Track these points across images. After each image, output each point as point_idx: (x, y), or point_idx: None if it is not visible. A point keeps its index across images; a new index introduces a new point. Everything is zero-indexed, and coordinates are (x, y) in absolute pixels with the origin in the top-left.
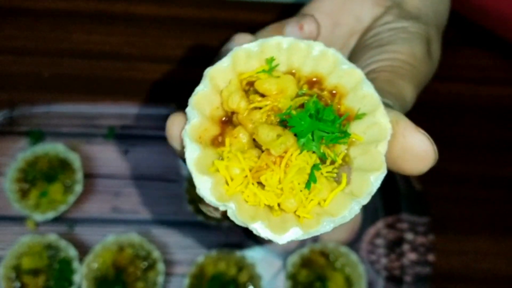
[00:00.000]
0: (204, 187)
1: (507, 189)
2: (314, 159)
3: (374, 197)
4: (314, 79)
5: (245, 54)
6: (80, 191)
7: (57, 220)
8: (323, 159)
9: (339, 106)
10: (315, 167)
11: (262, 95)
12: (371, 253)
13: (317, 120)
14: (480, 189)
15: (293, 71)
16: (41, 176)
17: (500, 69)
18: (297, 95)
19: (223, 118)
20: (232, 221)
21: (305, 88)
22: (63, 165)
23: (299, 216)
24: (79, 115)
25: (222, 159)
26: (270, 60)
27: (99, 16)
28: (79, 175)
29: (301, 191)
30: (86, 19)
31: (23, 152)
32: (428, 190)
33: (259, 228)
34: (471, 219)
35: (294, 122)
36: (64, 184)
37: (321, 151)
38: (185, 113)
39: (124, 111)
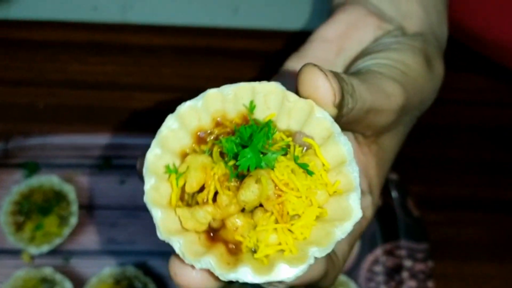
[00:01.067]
0: (287, 273)
1: (505, 212)
2: (286, 160)
3: (371, 224)
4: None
5: (170, 133)
6: (75, 223)
7: (52, 253)
8: (286, 153)
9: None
10: (296, 159)
11: (201, 189)
12: (370, 281)
13: (248, 144)
14: (478, 212)
15: (219, 119)
16: (36, 208)
17: (496, 91)
18: (211, 155)
19: (209, 235)
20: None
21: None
22: (58, 197)
23: (335, 192)
24: (75, 146)
25: (256, 250)
26: (169, 169)
27: (95, 46)
28: (74, 207)
29: (311, 175)
30: (81, 49)
31: (18, 185)
32: (426, 215)
33: (341, 235)
34: (470, 243)
35: (244, 165)
36: (59, 216)
37: (278, 150)
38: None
39: (120, 141)
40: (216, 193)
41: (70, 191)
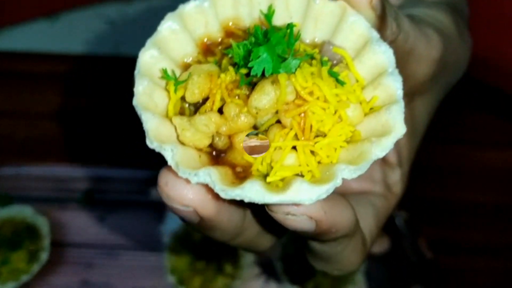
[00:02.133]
0: (306, 193)
1: None
2: (311, 67)
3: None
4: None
5: (171, 35)
6: (45, 259)
7: None
8: (311, 59)
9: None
10: (323, 64)
11: (204, 102)
12: None
13: (266, 42)
14: (496, 258)
15: (230, 24)
16: (4, 242)
17: (506, 132)
18: (220, 66)
19: (212, 156)
20: None
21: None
22: (30, 231)
23: (372, 109)
24: (52, 178)
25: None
26: (167, 74)
27: (76, 78)
28: (46, 242)
29: (342, 86)
30: (64, 81)
31: None
32: (440, 259)
33: (380, 153)
34: None
35: (258, 68)
36: (29, 251)
37: (302, 56)
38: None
39: (102, 174)
40: (222, 107)
41: (43, 224)
